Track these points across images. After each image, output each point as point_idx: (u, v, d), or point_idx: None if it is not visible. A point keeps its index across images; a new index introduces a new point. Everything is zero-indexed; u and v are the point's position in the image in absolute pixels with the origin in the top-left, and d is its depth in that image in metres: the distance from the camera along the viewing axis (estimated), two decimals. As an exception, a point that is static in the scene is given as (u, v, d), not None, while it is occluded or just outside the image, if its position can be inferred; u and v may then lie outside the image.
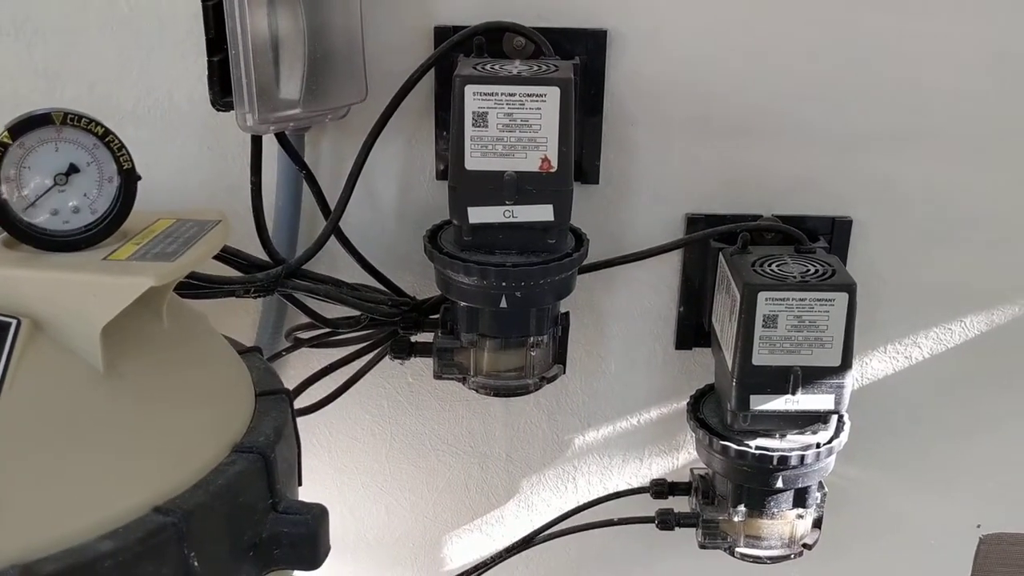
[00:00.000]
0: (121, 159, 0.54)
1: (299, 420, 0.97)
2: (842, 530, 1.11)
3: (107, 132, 0.54)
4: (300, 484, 0.67)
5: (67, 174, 0.53)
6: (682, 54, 0.94)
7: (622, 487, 1.10)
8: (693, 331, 1.04)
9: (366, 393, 1.08)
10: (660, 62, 0.94)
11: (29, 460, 0.49)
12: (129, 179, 0.54)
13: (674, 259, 1.02)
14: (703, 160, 0.98)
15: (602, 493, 1.10)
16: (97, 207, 0.54)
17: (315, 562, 0.58)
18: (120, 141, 0.54)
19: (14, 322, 0.50)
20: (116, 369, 0.53)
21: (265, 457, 0.57)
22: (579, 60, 0.92)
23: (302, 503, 0.60)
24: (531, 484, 1.14)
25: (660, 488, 1.05)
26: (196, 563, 0.50)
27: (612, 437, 1.11)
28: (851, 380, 0.88)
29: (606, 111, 0.95)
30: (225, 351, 0.65)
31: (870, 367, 1.05)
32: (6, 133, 0.52)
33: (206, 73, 0.79)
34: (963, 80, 0.94)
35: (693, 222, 0.99)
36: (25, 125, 0.52)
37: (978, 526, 1.12)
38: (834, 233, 0.98)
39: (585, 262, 0.94)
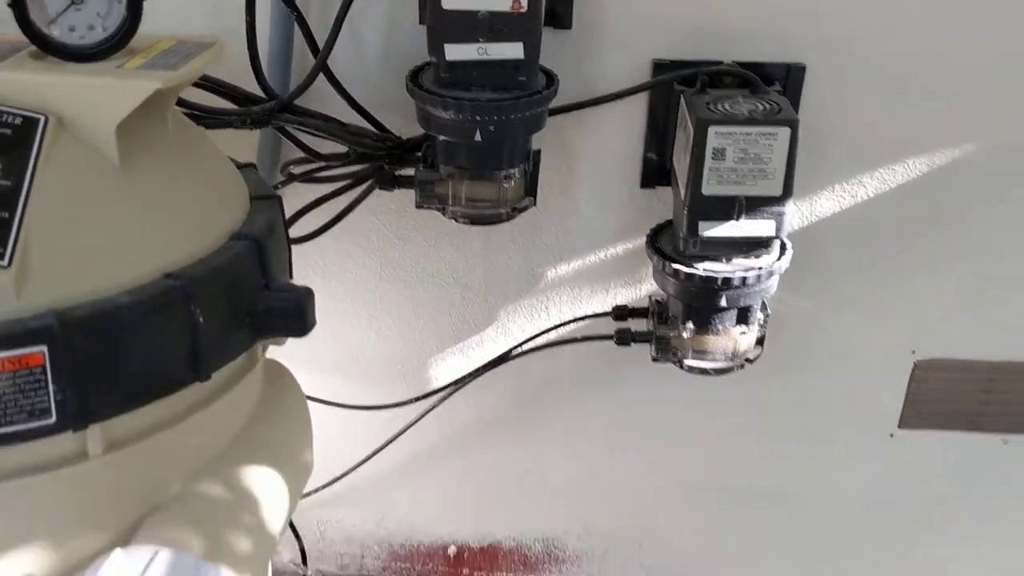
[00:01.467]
0: (128, -22, 0.62)
1: (294, 249, 1.07)
2: (789, 355, 1.23)
3: (115, -42, 0.62)
4: (289, 273, 0.77)
5: (81, -2, 0.62)
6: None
7: (589, 314, 1.21)
8: (657, 171, 1.13)
9: (357, 228, 1.18)
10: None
11: (60, 230, 0.59)
12: (135, 3, 0.63)
13: (641, 102, 1.09)
14: (670, 9, 1.05)
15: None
16: (108, 25, 0.63)
17: (303, 331, 0.69)
18: (127, -39, 0.62)
19: (42, 118, 0.59)
20: (130, 162, 0.62)
21: (259, 244, 0.67)
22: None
23: (291, 284, 0.70)
24: (507, 313, 1.25)
25: (621, 312, 1.16)
26: (201, 319, 0.61)
27: (581, 270, 1.21)
28: (790, 209, 0.97)
29: (578, -41, 1.02)
30: (223, 161, 0.75)
31: (819, 205, 1.14)
32: (29, -42, 0.60)
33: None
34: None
35: (659, 67, 1.07)
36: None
37: (913, 352, 1.23)
38: (788, 78, 1.06)
39: (557, 104, 1.03)
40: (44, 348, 0.55)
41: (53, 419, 0.57)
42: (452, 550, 1.44)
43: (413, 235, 1.20)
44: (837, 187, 1.13)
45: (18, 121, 0.59)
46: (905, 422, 1.27)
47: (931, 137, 1.10)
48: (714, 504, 1.35)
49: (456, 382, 1.24)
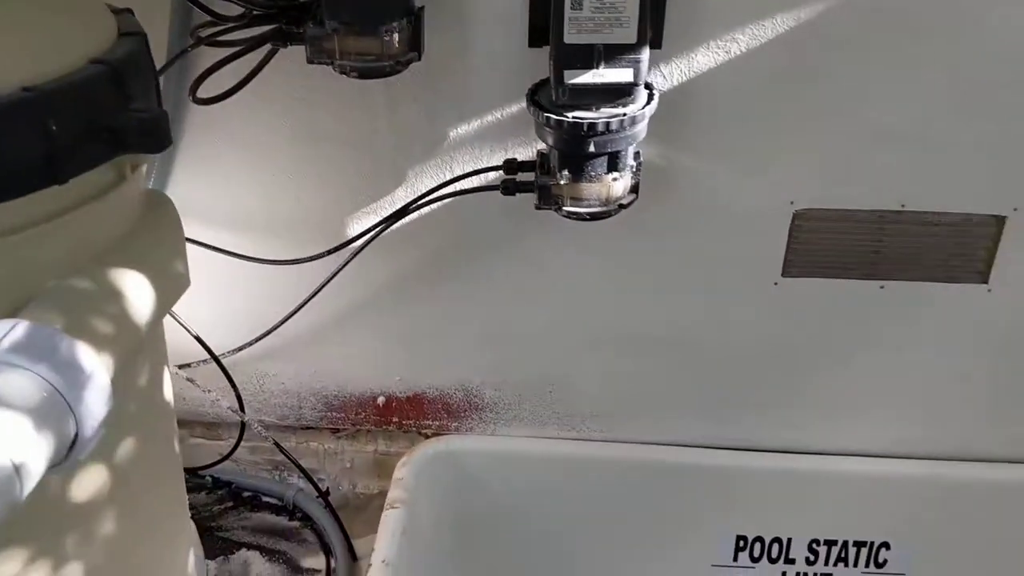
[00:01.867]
0: None
1: (210, 111, 1.16)
2: (676, 209, 1.32)
3: None
4: (157, 100, 0.86)
5: None
6: None
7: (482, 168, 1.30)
8: (542, 31, 1.20)
9: (268, 93, 1.27)
10: None
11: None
12: None
13: (521, -36, 1.17)
14: None
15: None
16: None
17: (159, 147, 0.78)
18: None
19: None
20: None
21: (115, 68, 0.76)
22: None
23: (148, 105, 0.80)
24: (415, 172, 1.34)
25: (511, 165, 1.25)
26: (54, 128, 0.71)
27: (480, 129, 1.30)
28: (647, 55, 1.06)
29: None
30: (95, 3, 0.84)
31: (696, 61, 1.22)
32: None
33: None
34: None
35: (535, -73, 1.14)
36: None
37: (791, 203, 1.31)
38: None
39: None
40: (-89, 143, 0.65)
41: (-75, 205, 0.67)
42: (381, 400, 1.57)
43: (322, 99, 1.28)
44: (712, 43, 1.20)
45: None
46: (788, 271, 1.37)
47: (796, -7, 1.17)
48: (615, 351, 1.46)
49: (368, 232, 1.34)
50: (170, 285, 0.88)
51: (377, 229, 1.35)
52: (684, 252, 1.37)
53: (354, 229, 1.38)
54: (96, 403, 0.70)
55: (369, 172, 1.34)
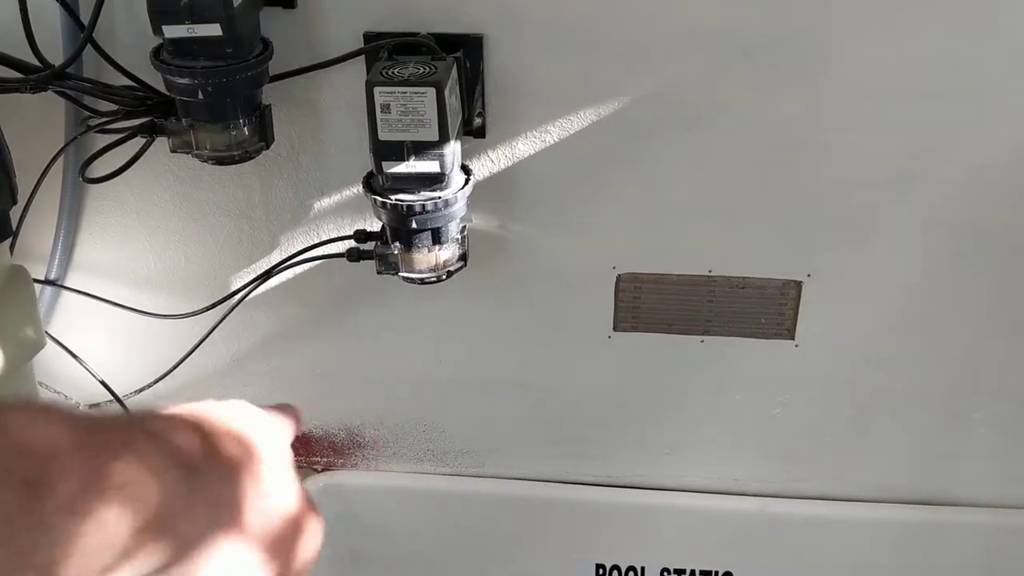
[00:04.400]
0: None
1: (107, 185, 1.35)
2: (513, 271, 1.50)
3: None
4: (15, 202, 1.06)
5: None
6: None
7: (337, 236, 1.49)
8: (384, 121, 1.39)
9: (156, 170, 1.46)
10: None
11: None
12: None
13: (362, 65, 1.36)
14: (375, -11, 1.31)
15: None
16: None
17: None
18: None
19: None
20: None
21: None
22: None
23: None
24: (287, 238, 1.53)
25: (361, 235, 1.44)
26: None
27: (340, 201, 1.49)
28: (451, 151, 1.24)
29: (292, -49, 1.28)
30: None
31: (517, 149, 1.41)
32: None
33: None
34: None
35: (368, 38, 1.33)
36: None
37: (614, 267, 1.50)
38: (468, 46, 1.32)
39: (294, 68, 1.30)
40: None
41: None
42: (274, 438, 1.74)
43: (204, 176, 1.48)
44: (528, 133, 1.39)
45: None
46: (618, 326, 1.55)
47: (597, 90, 1.35)
48: (478, 394, 1.64)
49: (243, 289, 1.52)
50: (19, 347, 1.07)
51: (254, 285, 1.54)
52: (527, 308, 1.55)
53: (236, 286, 1.57)
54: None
55: (247, 237, 1.54)
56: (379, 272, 1.38)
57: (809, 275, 1.47)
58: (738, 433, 1.63)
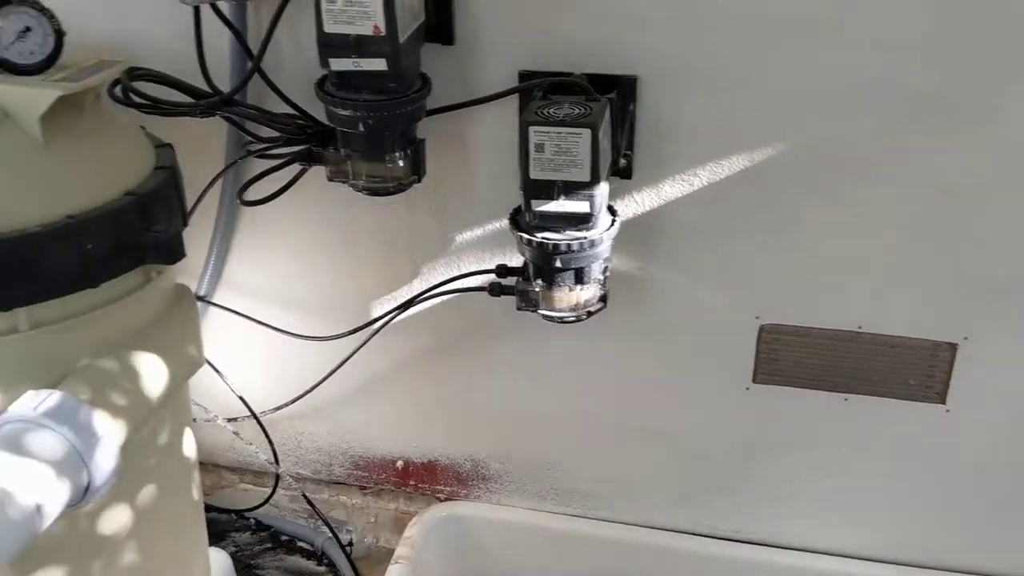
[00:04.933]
0: (54, 24, 0.96)
1: (263, 211, 1.39)
2: (651, 315, 1.48)
3: (45, 9, 0.96)
4: (186, 224, 1.10)
5: (24, 31, 0.96)
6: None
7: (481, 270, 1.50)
8: (532, 158, 1.40)
9: (310, 196, 1.51)
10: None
11: (10, 180, 0.93)
12: (59, 36, 0.96)
13: (514, 102, 1.37)
14: (534, 29, 1.32)
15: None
16: (43, 52, 0.96)
17: (172, 260, 1.02)
18: (52, 13, 0.96)
19: (-3, 113, 0.95)
20: (51, 140, 0.96)
21: (141, 200, 1.00)
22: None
23: (167, 228, 1.03)
24: (428, 268, 1.55)
25: (502, 269, 1.44)
26: (89, 247, 0.95)
27: (484, 236, 1.50)
28: (601, 192, 1.24)
29: (455, -11, 1.31)
30: (139, 140, 1.08)
31: (664, 192, 1.39)
32: (-9, 8, 0.95)
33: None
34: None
35: (523, 76, 1.34)
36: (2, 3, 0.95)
37: (757, 318, 1.46)
38: (623, 87, 1.31)
39: (447, 103, 1.33)
40: (-17, 254, 0.90)
41: (-10, 301, 0.92)
42: (400, 464, 1.76)
43: (352, 202, 1.51)
44: (677, 176, 1.37)
45: (-20, 114, 0.95)
46: (758, 378, 1.50)
47: (752, 137, 1.33)
48: (607, 436, 1.62)
49: (388, 315, 1.55)
50: (183, 365, 1.11)
51: (395, 313, 1.56)
52: (664, 353, 1.52)
53: (377, 311, 1.60)
54: (105, 460, 0.93)
55: (390, 265, 1.56)
56: (519, 308, 1.38)
57: (966, 338, 1.40)
58: (878, 497, 1.55)
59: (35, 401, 0.92)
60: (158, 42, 1.41)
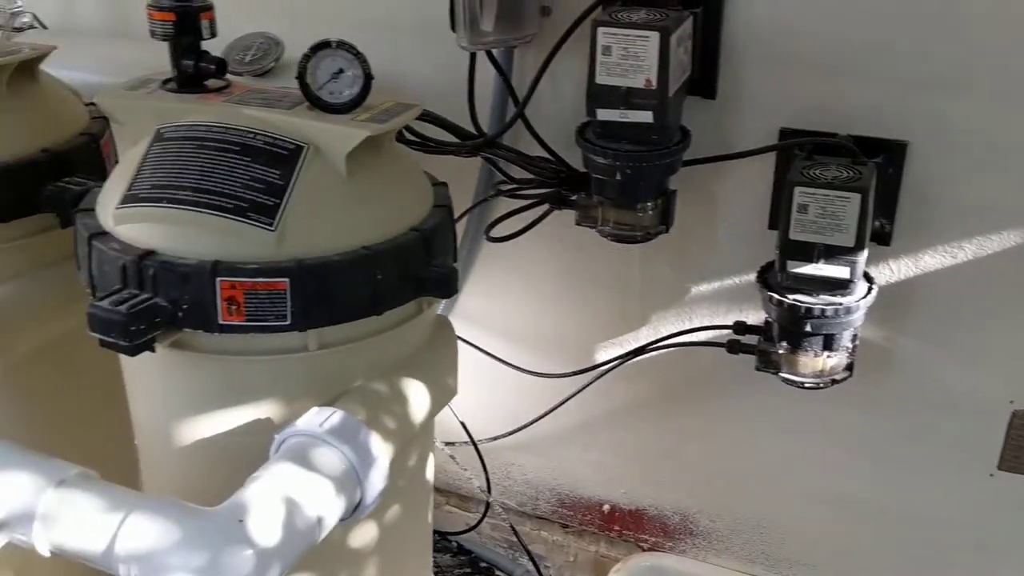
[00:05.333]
0: (365, 67, 1.03)
1: (500, 247, 1.44)
2: (893, 387, 1.42)
3: (358, 53, 1.02)
4: (455, 260, 1.14)
5: (338, 73, 1.03)
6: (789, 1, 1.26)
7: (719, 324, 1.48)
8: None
9: (546, 237, 1.53)
10: (769, 8, 1.28)
11: (306, 213, 1.00)
12: (367, 79, 1.03)
13: (770, 160, 1.35)
14: (797, 86, 1.30)
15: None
16: (352, 93, 1.03)
17: (447, 294, 1.06)
18: (364, 58, 1.02)
19: (306, 146, 1.01)
20: (353, 177, 1.02)
21: (424, 235, 1.05)
22: (701, 8, 1.28)
23: (444, 263, 1.08)
24: (658, 318, 1.55)
25: (740, 327, 1.42)
26: (379, 276, 1.00)
27: (718, 290, 1.48)
28: (863, 258, 1.20)
29: (722, 44, 1.31)
30: (421, 179, 1.14)
31: (923, 260, 1.34)
32: (309, 50, 1.02)
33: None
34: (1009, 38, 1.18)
35: (784, 134, 1.33)
36: (317, 47, 1.02)
37: (1011, 402, 1.37)
38: (892, 152, 1.27)
39: (700, 156, 1.33)
40: (286, 279, 0.97)
41: (288, 322, 0.98)
42: (606, 507, 1.76)
43: (587, 246, 1.53)
44: (939, 247, 1.32)
45: (291, 146, 1.02)
46: (1004, 464, 1.41)
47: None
48: (826, 506, 1.56)
49: (613, 361, 1.56)
50: (442, 394, 1.15)
51: (621, 360, 1.57)
52: (902, 428, 1.46)
53: (601, 356, 1.61)
54: (377, 480, 0.97)
55: (619, 311, 1.57)
56: (758, 369, 1.36)
57: None
58: None
59: (320, 418, 0.98)
60: (423, 81, 1.49)
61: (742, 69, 1.32)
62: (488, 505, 1.79)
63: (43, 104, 1.28)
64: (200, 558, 0.84)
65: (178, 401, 1.06)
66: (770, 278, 1.31)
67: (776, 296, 1.27)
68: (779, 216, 1.24)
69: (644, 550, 1.75)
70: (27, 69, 1.25)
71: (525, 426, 1.70)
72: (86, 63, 1.49)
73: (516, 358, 1.66)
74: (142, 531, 0.86)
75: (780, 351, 1.31)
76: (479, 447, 1.72)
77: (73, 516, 0.88)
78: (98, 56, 1.56)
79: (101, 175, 1.30)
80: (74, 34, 1.43)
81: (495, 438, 1.74)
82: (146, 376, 1.07)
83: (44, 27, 1.61)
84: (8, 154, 1.19)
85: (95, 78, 1.48)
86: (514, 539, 1.83)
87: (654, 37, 1.17)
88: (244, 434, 1.05)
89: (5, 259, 1.22)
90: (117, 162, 1.37)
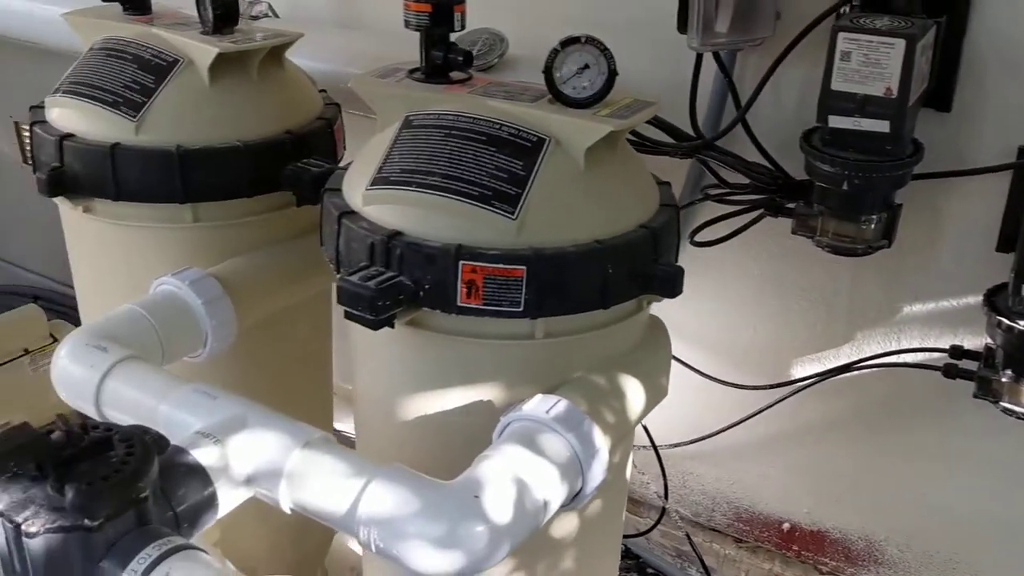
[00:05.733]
0: (610, 64, 1.04)
1: (705, 251, 1.43)
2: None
3: (605, 49, 1.03)
4: (676, 260, 1.14)
5: (583, 68, 1.04)
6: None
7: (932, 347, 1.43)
8: (1010, 239, 1.31)
9: (749, 244, 1.51)
10: (1016, 21, 1.22)
11: (545, 203, 1.01)
12: (612, 75, 1.04)
13: (1004, 179, 1.29)
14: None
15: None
16: (594, 87, 1.05)
17: (672, 294, 1.06)
18: (611, 54, 1.04)
19: (548, 139, 1.04)
20: (590, 171, 1.04)
21: (654, 233, 1.06)
22: (944, 20, 1.23)
23: (670, 263, 1.08)
24: (864, 336, 1.50)
25: (957, 351, 1.37)
26: (610, 270, 1.01)
27: (933, 312, 1.43)
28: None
29: (963, 56, 1.26)
30: (647, 178, 1.14)
31: None
32: (558, 45, 1.04)
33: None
34: None
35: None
36: (567, 42, 1.04)
37: None
38: None
39: (928, 171, 1.28)
40: (524, 267, 0.99)
41: (521, 308, 1.01)
42: (786, 526, 1.72)
43: (792, 256, 1.50)
44: None
45: (535, 138, 1.04)
46: None
47: None
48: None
49: (811, 377, 1.52)
50: (656, 393, 1.15)
51: (820, 377, 1.53)
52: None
53: (796, 371, 1.57)
54: (598, 471, 0.98)
55: (822, 326, 1.53)
56: (976, 396, 1.30)
57: None
58: None
59: (546, 405, 1.00)
60: (638, 79, 1.48)
61: (983, 82, 1.27)
62: (664, 511, 1.78)
63: (286, 89, 1.36)
64: (438, 528, 0.87)
65: (406, 377, 1.10)
66: (999, 301, 1.25)
67: (1005, 321, 1.21)
68: (1016, 231, 1.18)
69: (823, 573, 1.70)
70: (275, 55, 1.33)
71: (709, 436, 1.68)
72: (313, 51, 1.56)
73: (706, 365, 1.64)
74: (382, 497, 0.89)
75: (1003, 379, 1.25)
76: (660, 453, 1.71)
77: (318, 477, 0.93)
78: (324, 44, 1.63)
79: (333, 158, 1.37)
80: (301, 23, 1.50)
81: (675, 445, 1.73)
82: (379, 350, 1.11)
83: (276, 15, 1.70)
84: (257, 134, 1.27)
85: (321, 65, 1.55)
86: (683, 548, 1.81)
87: (900, 44, 1.14)
88: (464, 414, 1.08)
89: (246, 232, 1.30)
90: (345, 147, 1.45)
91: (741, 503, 1.76)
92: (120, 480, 0.79)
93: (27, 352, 2.03)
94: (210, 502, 0.90)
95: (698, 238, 1.47)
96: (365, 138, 1.16)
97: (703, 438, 1.69)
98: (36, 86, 1.83)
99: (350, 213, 1.07)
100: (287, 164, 1.27)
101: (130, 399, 1.03)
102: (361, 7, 1.78)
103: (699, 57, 1.33)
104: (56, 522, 0.77)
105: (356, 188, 1.09)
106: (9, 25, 1.97)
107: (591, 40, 1.05)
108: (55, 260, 2.58)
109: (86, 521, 0.77)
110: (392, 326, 1.02)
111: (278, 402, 1.01)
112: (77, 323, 2.24)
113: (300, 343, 1.51)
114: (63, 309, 2.41)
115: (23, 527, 0.77)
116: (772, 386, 1.56)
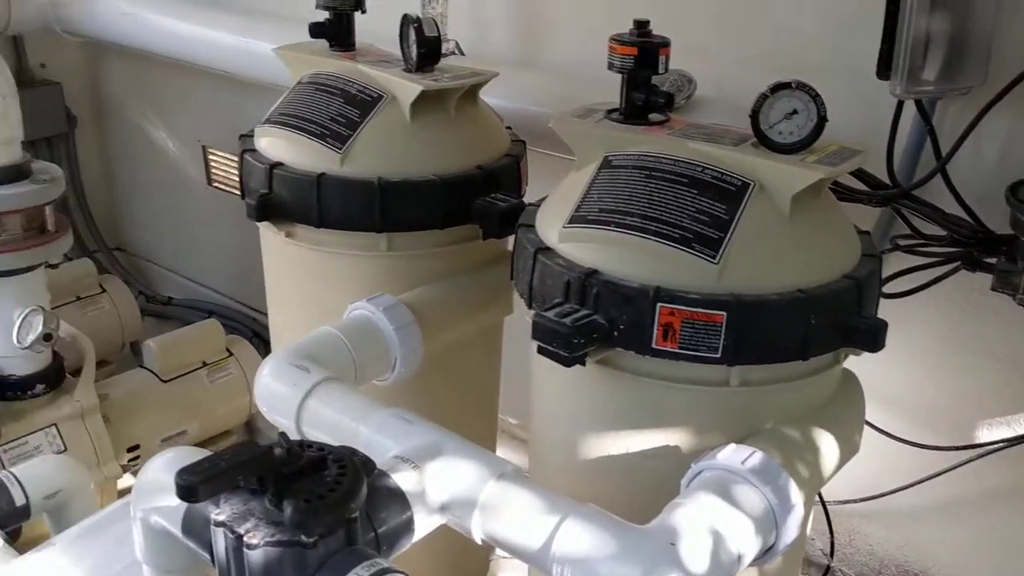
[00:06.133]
0: (820, 110, 1.02)
1: (889, 303, 1.38)
2: None
3: (816, 95, 1.02)
4: (876, 310, 1.11)
5: (791, 114, 1.03)
6: None
7: None
8: None
9: (939, 300, 1.45)
10: None
11: (747, 248, 1.00)
12: (821, 121, 1.02)
13: None
14: None
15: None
16: (802, 134, 1.03)
17: (874, 348, 1.03)
18: (821, 100, 1.02)
19: (753, 183, 1.02)
20: (795, 217, 1.02)
21: (858, 283, 1.03)
22: None
23: (873, 316, 1.05)
24: (1064, 400, 1.41)
25: None
26: (813, 322, 0.99)
27: None
28: None
29: None
30: (849, 227, 1.11)
31: None
32: (768, 89, 1.03)
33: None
34: None
35: None
36: (776, 87, 1.03)
37: None
38: None
39: None
40: (724, 313, 0.98)
41: (718, 355, 0.99)
42: (963, 595, 1.63)
43: (983, 313, 1.43)
44: None
45: (739, 182, 1.03)
46: None
47: None
48: None
49: (998, 442, 1.44)
50: (849, 450, 1.11)
51: (1009, 443, 1.44)
52: None
53: (982, 434, 1.49)
54: (793, 526, 0.96)
55: (1012, 388, 1.45)
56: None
57: None
58: None
59: (741, 455, 0.98)
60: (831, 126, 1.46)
61: None
62: (829, 569, 1.71)
63: (479, 126, 1.40)
64: (633, 573, 0.86)
65: (593, 416, 1.10)
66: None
67: None
68: None
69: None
70: (471, 93, 1.37)
71: (883, 495, 1.61)
72: (499, 89, 1.60)
73: (883, 422, 1.57)
74: (578, 536, 0.89)
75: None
76: (828, 508, 1.65)
77: (513, 510, 0.93)
78: (510, 83, 1.66)
79: (518, 193, 1.40)
80: (487, 61, 1.54)
81: (845, 501, 1.66)
82: (566, 388, 1.12)
83: (463, 54, 1.75)
84: (453, 168, 1.31)
85: (506, 104, 1.59)
86: (846, 609, 1.74)
87: None
88: (650, 457, 1.07)
89: (435, 263, 1.34)
90: (527, 183, 1.47)
91: (912, 567, 1.67)
92: (335, 499, 0.82)
93: (204, 364, 2.13)
94: (407, 526, 0.92)
95: (886, 289, 1.42)
96: (546, 174, 1.18)
97: (875, 497, 1.62)
98: (224, 114, 1.95)
99: (546, 249, 1.08)
100: (477, 198, 1.30)
101: (330, 419, 1.06)
102: (543, 47, 1.81)
103: (899, 104, 1.30)
104: (275, 536, 0.80)
105: (551, 225, 1.10)
106: (212, 57, 2.09)
107: (801, 85, 1.04)
108: (232, 278, 2.73)
109: (303, 537, 0.80)
110: (584, 364, 1.02)
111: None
112: (250, 339, 2.36)
113: (472, 374, 1.53)
114: (236, 325, 2.53)
115: (245, 538, 0.80)
116: (957, 448, 1.49)
